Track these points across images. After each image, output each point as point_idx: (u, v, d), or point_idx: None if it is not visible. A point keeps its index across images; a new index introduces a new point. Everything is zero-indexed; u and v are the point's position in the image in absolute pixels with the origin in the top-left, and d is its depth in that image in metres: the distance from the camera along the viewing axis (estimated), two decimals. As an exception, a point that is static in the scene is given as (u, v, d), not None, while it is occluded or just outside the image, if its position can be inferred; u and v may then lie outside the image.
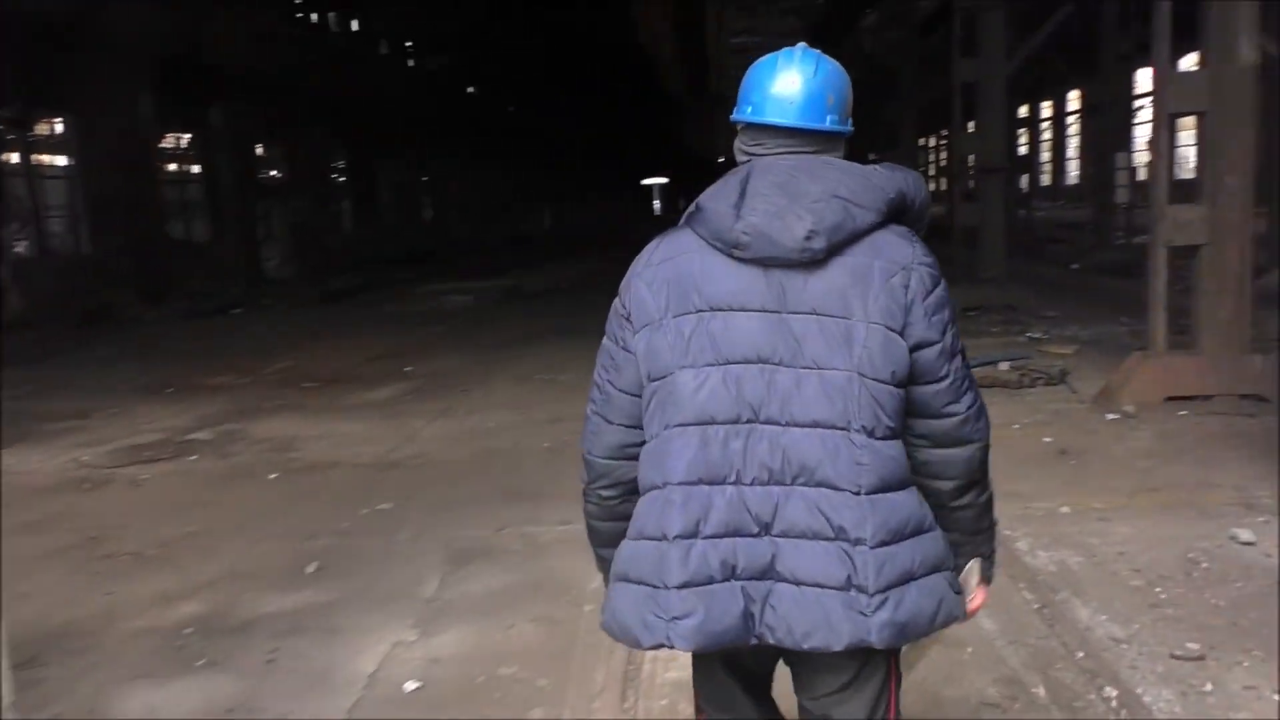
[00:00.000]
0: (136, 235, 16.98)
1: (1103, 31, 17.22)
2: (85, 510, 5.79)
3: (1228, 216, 6.66)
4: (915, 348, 1.69)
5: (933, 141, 37.74)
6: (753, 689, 1.95)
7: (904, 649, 1.87)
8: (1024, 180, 23.65)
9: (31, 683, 3.50)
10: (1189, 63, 11.30)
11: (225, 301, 17.34)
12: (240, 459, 6.84)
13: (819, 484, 1.65)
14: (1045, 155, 43.27)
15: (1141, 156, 26.93)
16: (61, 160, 18.43)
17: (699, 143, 62.77)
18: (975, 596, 1.88)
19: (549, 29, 33.64)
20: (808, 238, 1.67)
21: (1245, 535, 4.33)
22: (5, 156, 16.92)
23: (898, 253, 1.71)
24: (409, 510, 5.44)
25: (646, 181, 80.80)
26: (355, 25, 29.75)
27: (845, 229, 1.68)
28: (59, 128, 18.25)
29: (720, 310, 1.71)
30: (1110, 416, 6.57)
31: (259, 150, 23.75)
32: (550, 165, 50.47)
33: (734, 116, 1.87)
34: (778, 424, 1.67)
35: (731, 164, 1.88)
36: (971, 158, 13.28)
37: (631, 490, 1.82)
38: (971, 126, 13.51)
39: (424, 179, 34.96)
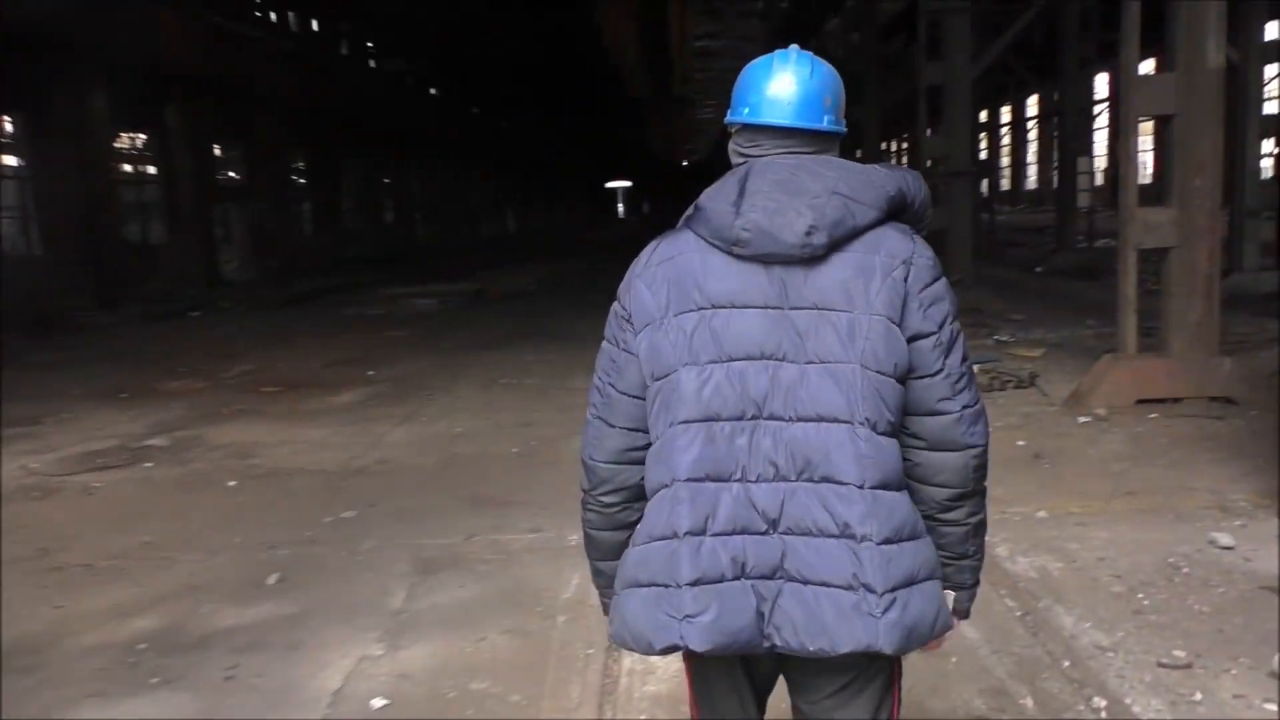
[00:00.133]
0: (91, 237, 16.63)
1: (1063, 36, 17.36)
2: (34, 520, 5.56)
3: (1196, 219, 6.67)
4: (911, 339, 1.68)
5: (895, 146, 37.95)
6: (754, 701, 1.87)
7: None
8: (984, 185, 23.80)
9: (-26, 704, 3.33)
10: (1147, 67, 11.42)
11: (183, 305, 17.03)
12: (198, 466, 6.64)
13: (824, 478, 1.64)
14: (1004, 160, 43.80)
15: (1101, 161, 27.36)
16: (12, 161, 18.00)
17: (662, 147, 62.84)
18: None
19: (514, 31, 33.49)
20: (808, 233, 1.66)
21: (1224, 540, 4.30)
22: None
23: (898, 247, 1.71)
24: (374, 518, 5.29)
25: (610, 185, 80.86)
26: (316, 26, 29.42)
27: (846, 225, 1.68)
28: (9, 127, 17.82)
29: (722, 307, 1.70)
30: (1082, 419, 6.55)
31: (217, 151, 23.37)
32: (515, 169, 50.33)
33: (729, 118, 1.85)
34: (782, 419, 1.66)
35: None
36: (932, 161, 13.32)
37: (634, 497, 1.80)
38: (937, 130, 13.54)
39: (387, 182, 34.63)
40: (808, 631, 1.60)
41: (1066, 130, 18.63)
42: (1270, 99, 13.69)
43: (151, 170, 21.47)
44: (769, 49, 1.90)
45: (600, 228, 54.37)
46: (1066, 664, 3.32)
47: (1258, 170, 12.75)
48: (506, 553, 4.65)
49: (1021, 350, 9.16)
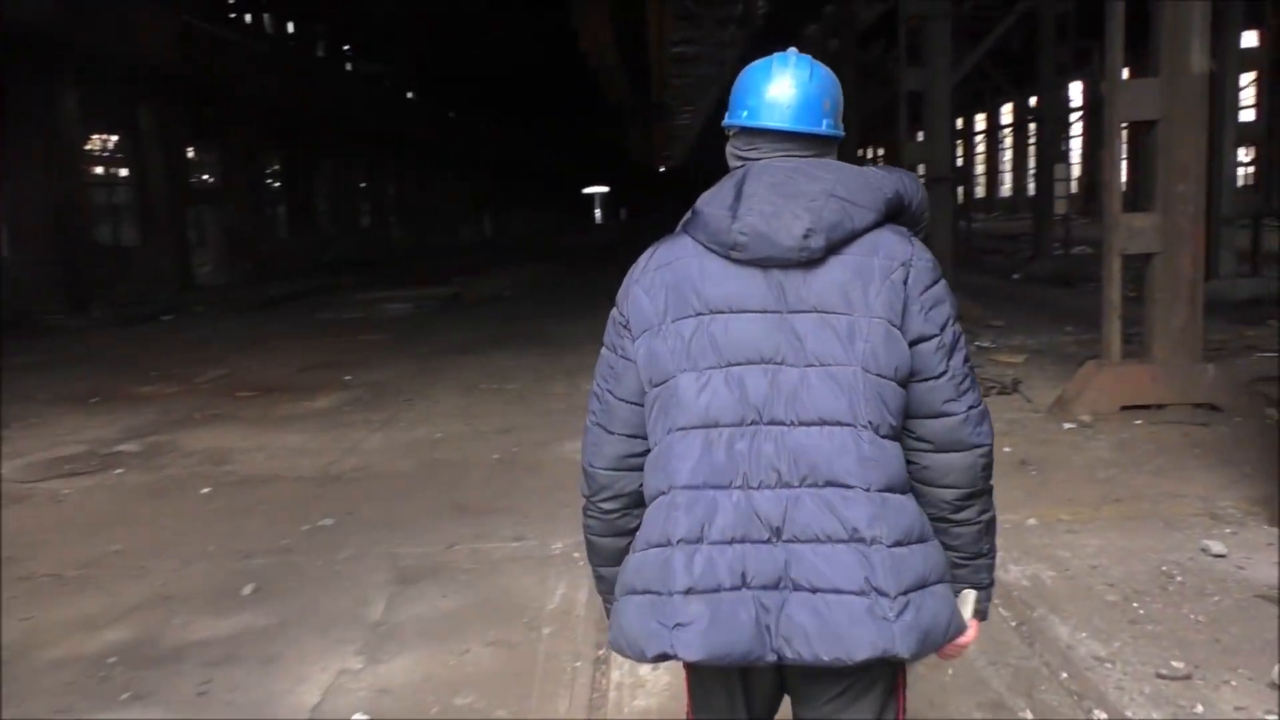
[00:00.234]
0: (61, 239, 16.35)
1: (1041, 43, 17.43)
2: (1, 528, 5.41)
3: (1180, 224, 6.67)
4: (913, 342, 1.67)
5: (873, 153, 38.08)
6: (749, 713, 1.80)
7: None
8: (959, 192, 23.90)
9: (-65, 722, 3.20)
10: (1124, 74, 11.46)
11: (155, 308, 16.79)
12: (170, 472, 6.48)
13: (828, 483, 1.61)
14: (979, 168, 44.11)
15: (1075, 169, 27.55)
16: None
17: (640, 152, 62.83)
18: (968, 630, 1.75)
19: (492, 36, 33.35)
20: (806, 236, 1.64)
21: (1216, 547, 4.26)
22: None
23: (896, 249, 1.69)
24: (352, 527, 5.17)
25: (588, 190, 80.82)
26: (292, 28, 29.20)
27: (844, 228, 1.67)
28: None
29: (720, 312, 1.68)
30: (1067, 426, 6.52)
31: (191, 153, 23.10)
32: (492, 173, 50.18)
33: (728, 121, 1.84)
34: (783, 424, 1.63)
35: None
36: (913, 166, 13.32)
37: (633, 503, 1.79)
38: (918, 136, 13.54)
39: (363, 185, 34.39)
40: (822, 641, 1.56)
41: (1044, 137, 18.70)
42: (1245, 107, 13.76)
43: (124, 172, 21.17)
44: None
45: (577, 233, 54.31)
46: (1064, 675, 3.26)
47: (1234, 177, 12.80)
48: (489, 562, 4.55)
49: (1003, 356, 9.15)
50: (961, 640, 1.73)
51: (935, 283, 1.70)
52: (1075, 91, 26.50)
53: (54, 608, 4.25)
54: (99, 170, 20.80)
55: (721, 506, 1.62)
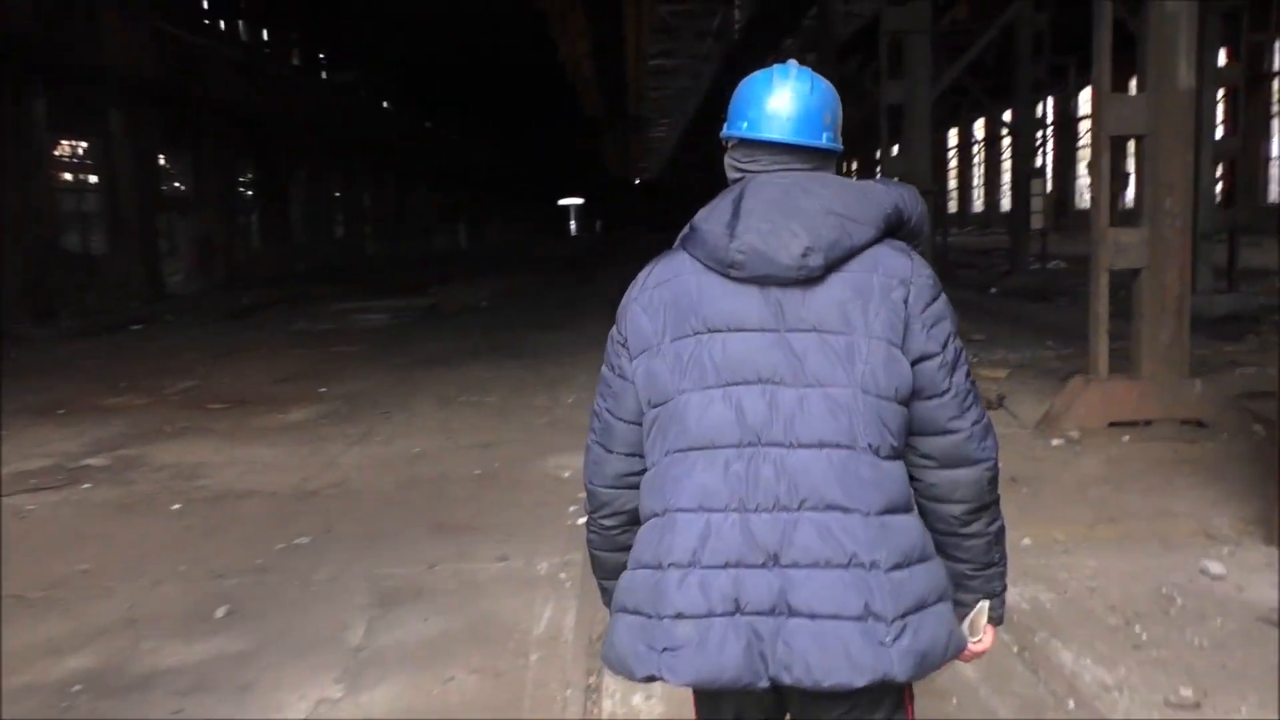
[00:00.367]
0: (24, 247, 16.04)
1: (1017, 58, 17.52)
2: (-39, 547, 5.21)
3: (1168, 239, 6.63)
4: (915, 361, 1.66)
5: (850, 166, 38.24)
6: None
7: None
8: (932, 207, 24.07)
9: (-113, 757, 3.02)
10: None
11: (124, 318, 16.51)
12: (139, 488, 6.29)
13: (828, 507, 1.59)
14: (952, 183, 44.39)
15: (1048, 184, 27.73)
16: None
17: (616, 164, 62.86)
18: (983, 638, 1.80)
19: (469, 47, 33.25)
20: (804, 255, 1.63)
21: (1215, 568, 4.19)
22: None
23: (896, 266, 1.68)
24: (329, 545, 5.01)
25: (563, 202, 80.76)
26: (266, 36, 28.96)
27: (842, 245, 1.65)
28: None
29: (719, 332, 1.67)
30: (1055, 442, 6.46)
31: (163, 161, 22.79)
32: (467, 184, 50.03)
33: (726, 132, 1.83)
34: (782, 445, 1.61)
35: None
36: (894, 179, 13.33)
37: (633, 520, 1.78)
38: (896, 149, 13.55)
39: (338, 195, 34.13)
40: (822, 668, 1.53)
41: (1020, 152, 18.79)
42: (1221, 124, 13.87)
43: (94, 178, 20.83)
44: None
45: (553, 244, 54.19)
46: (1071, 704, 3.17)
47: (1212, 193, 12.88)
48: (473, 583, 4.40)
49: (986, 371, 9.09)
50: (978, 648, 1.78)
51: (936, 299, 1.69)
52: (1047, 107, 26.67)
53: (16, 631, 4.06)
54: (67, 176, 20.45)
55: (717, 529, 1.59)
